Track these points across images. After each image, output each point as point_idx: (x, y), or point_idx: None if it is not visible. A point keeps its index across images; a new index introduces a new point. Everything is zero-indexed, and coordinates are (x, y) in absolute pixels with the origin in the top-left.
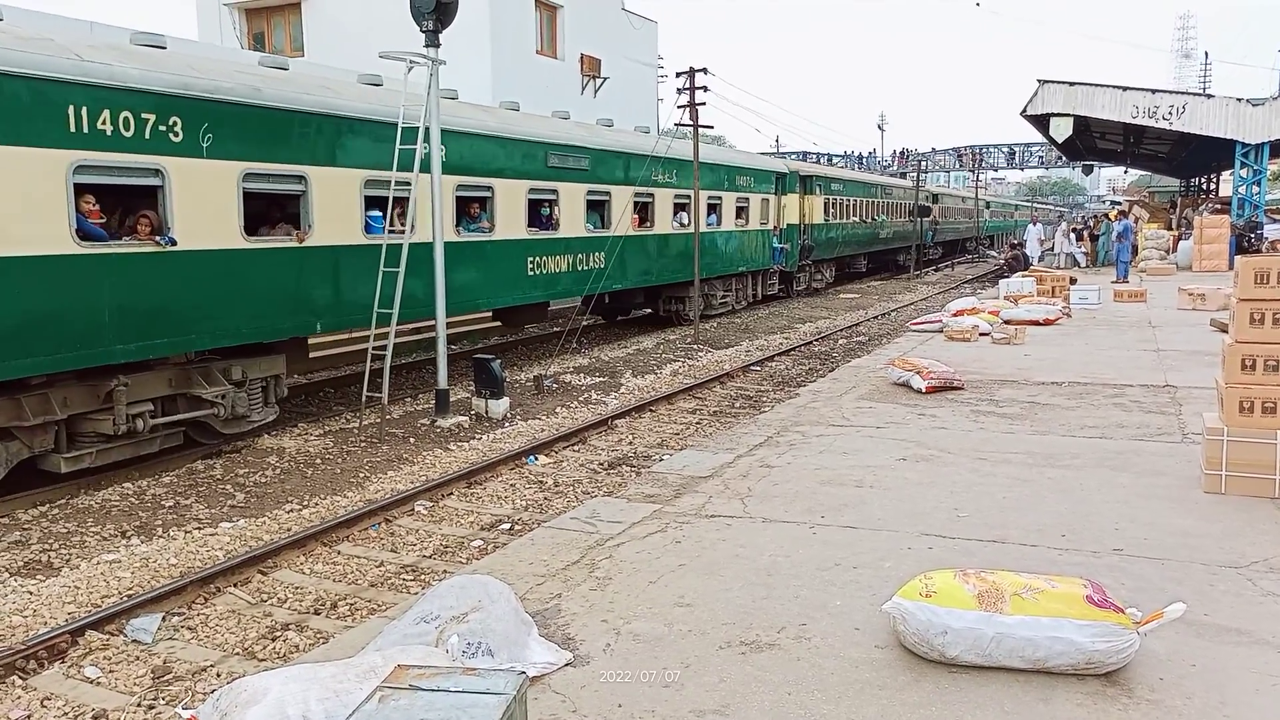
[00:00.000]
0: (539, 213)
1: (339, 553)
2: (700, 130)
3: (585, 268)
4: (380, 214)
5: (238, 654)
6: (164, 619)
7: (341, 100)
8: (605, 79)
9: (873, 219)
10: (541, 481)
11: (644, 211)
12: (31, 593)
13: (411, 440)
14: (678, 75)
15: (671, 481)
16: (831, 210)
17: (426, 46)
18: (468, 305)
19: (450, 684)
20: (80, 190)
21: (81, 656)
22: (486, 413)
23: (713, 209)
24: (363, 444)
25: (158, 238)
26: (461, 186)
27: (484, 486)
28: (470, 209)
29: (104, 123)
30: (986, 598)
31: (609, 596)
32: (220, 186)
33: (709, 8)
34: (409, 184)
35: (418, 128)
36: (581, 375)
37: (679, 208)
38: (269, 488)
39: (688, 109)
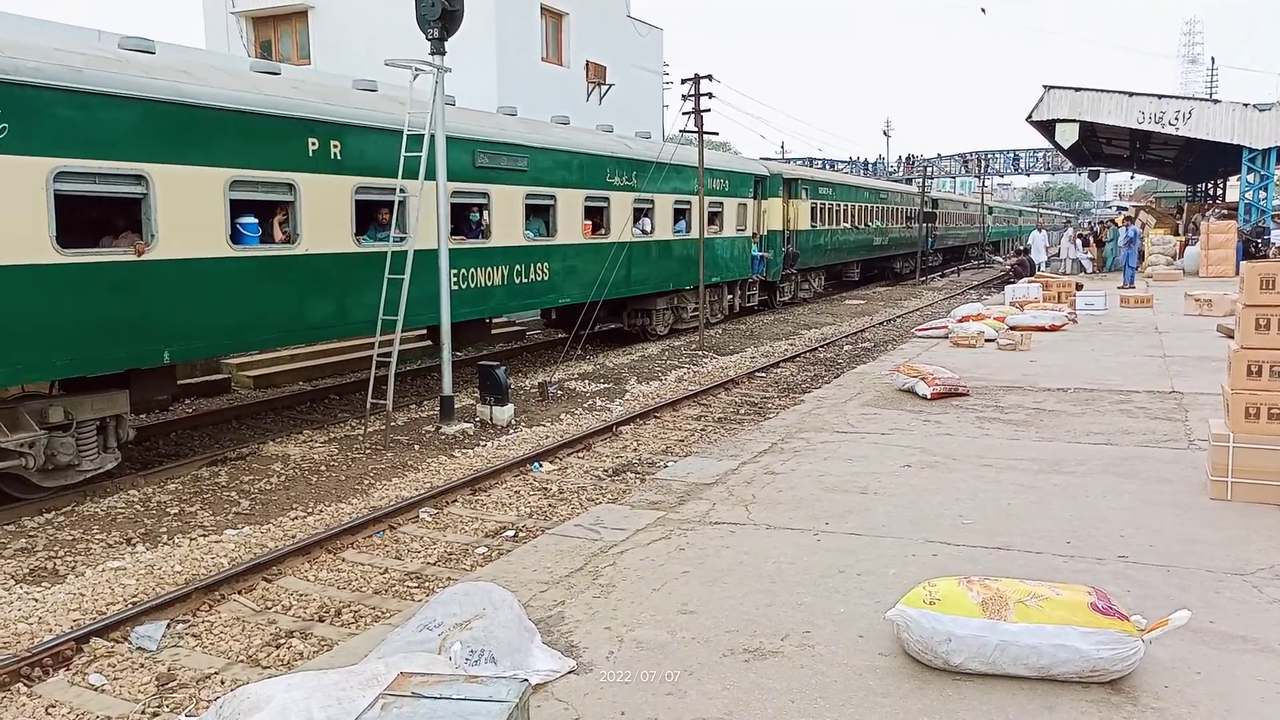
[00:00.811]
0: (466, 218)
1: (343, 560)
2: (705, 136)
3: (525, 280)
4: (255, 221)
5: (242, 661)
6: (169, 626)
7: (201, 87)
8: (611, 86)
9: (866, 225)
10: (546, 488)
11: (597, 217)
12: (37, 600)
13: (416, 447)
14: (683, 82)
15: (676, 488)
16: (819, 216)
17: (432, 54)
18: (371, 326)
19: (453, 691)
20: None
21: (86, 664)
22: (491, 419)
23: (681, 215)
24: (367, 451)
25: None
26: (364, 189)
27: (488, 493)
28: (379, 215)
29: None
30: (990, 605)
31: (612, 604)
32: (20, 188)
33: (714, 15)
34: (291, 185)
35: (421, 135)
36: (586, 381)
37: (640, 213)
38: (274, 495)
39: (692, 115)
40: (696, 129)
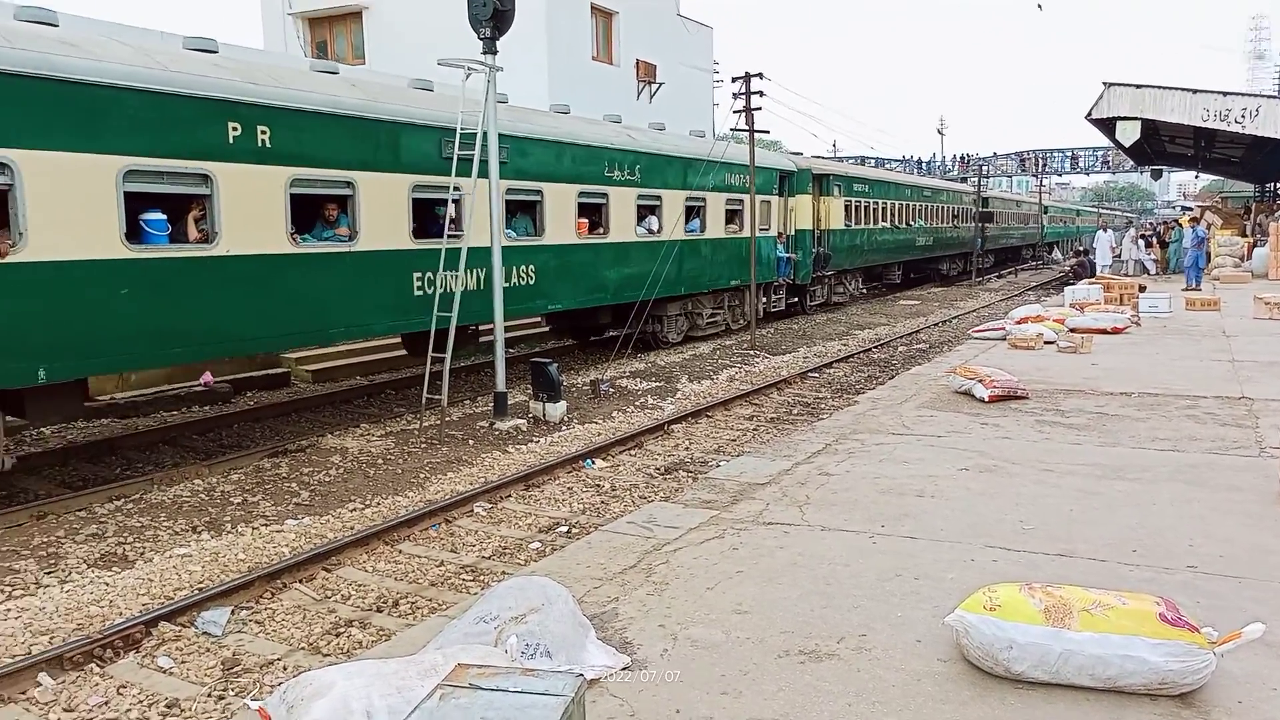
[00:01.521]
0: (434, 216)
1: (400, 551)
2: (754, 135)
3: (505, 285)
4: (163, 218)
5: (303, 649)
6: (233, 613)
7: (85, 62)
8: (660, 85)
9: (908, 224)
10: (598, 485)
11: (595, 215)
12: (108, 584)
13: (470, 442)
14: (733, 80)
15: (728, 488)
16: (854, 214)
17: (484, 53)
18: (315, 335)
19: (509, 684)
20: None
21: (155, 647)
22: (544, 416)
23: (694, 213)
24: (423, 445)
25: None
26: (302, 182)
27: (541, 489)
28: (327, 211)
29: None
30: (1053, 613)
31: (666, 601)
32: None
33: (766, 13)
34: (206, 176)
35: (474, 132)
36: (637, 380)
37: (644, 211)
38: (333, 487)
39: (743, 114)
40: (747, 128)
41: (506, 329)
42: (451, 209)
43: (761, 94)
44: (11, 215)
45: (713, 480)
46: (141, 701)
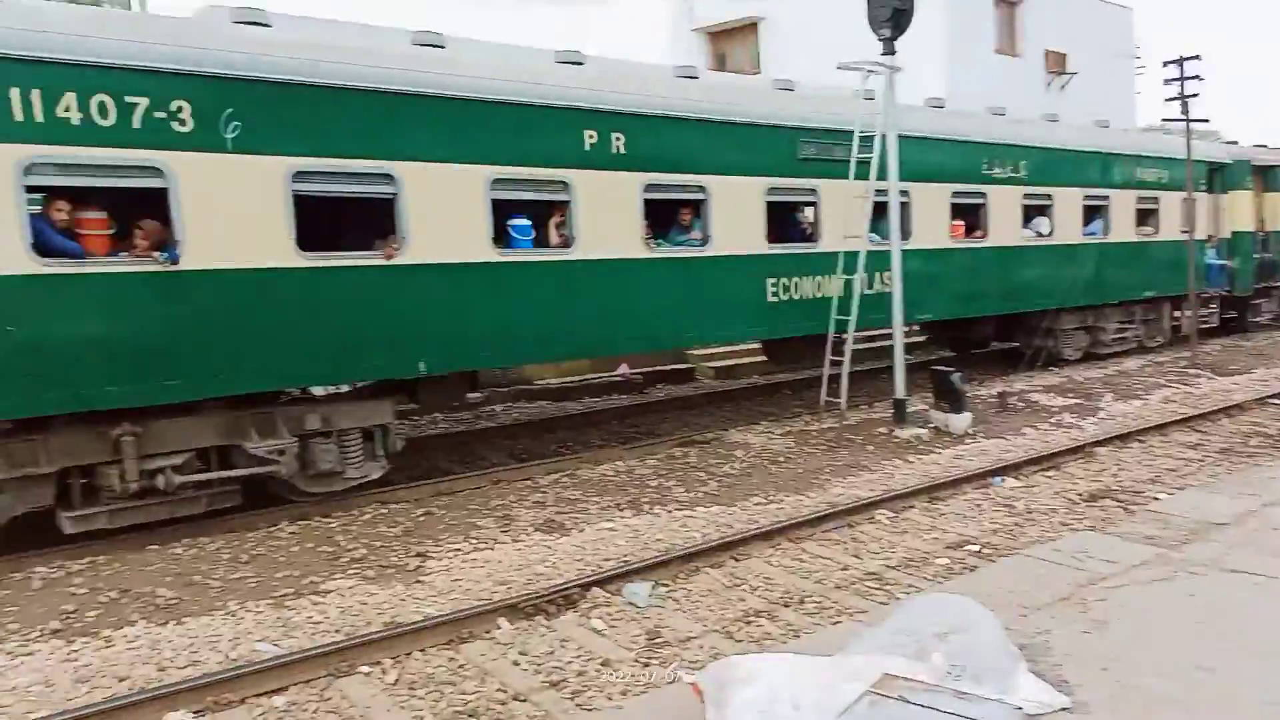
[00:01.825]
0: (792, 219)
1: (804, 550)
2: (1192, 125)
3: (869, 291)
4: (528, 223)
5: (716, 631)
6: (653, 587)
7: (453, 77)
8: (1073, 75)
9: None
10: (1010, 505)
11: (971, 216)
12: (549, 547)
13: (869, 448)
14: (1164, 65)
15: (1175, 524)
16: None
17: (883, 54)
18: (670, 339)
19: (940, 704)
20: (53, 194)
21: (589, 609)
22: (946, 426)
23: (1094, 213)
24: (821, 447)
25: (158, 254)
26: (654, 186)
27: (946, 503)
28: (681, 215)
29: None
30: None
31: (1108, 643)
32: (259, 186)
33: None
34: (565, 183)
35: (873, 135)
36: (1051, 395)
37: (1032, 211)
38: (737, 479)
39: (1178, 101)
40: (1182, 117)
41: (870, 338)
42: (809, 212)
43: (1198, 78)
44: (396, 222)
45: (1154, 514)
46: (580, 656)
